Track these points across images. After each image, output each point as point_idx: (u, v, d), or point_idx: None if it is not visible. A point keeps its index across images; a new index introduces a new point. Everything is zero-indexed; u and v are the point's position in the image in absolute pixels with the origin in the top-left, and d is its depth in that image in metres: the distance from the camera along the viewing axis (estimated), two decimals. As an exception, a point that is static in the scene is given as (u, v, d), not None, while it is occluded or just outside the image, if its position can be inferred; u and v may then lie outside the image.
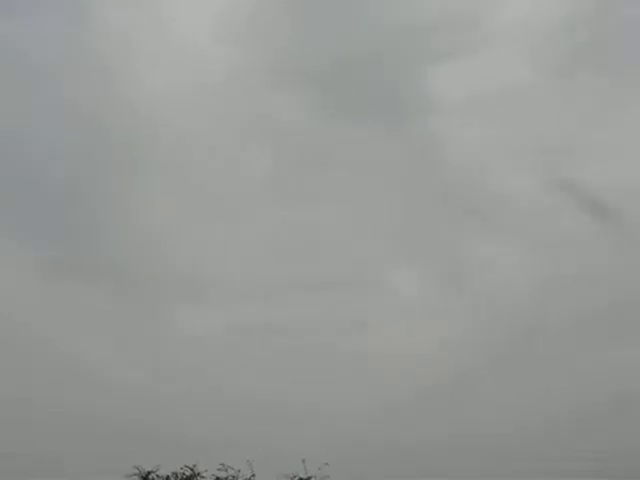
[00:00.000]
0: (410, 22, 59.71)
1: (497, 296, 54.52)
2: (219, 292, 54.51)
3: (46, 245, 52.82)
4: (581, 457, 40.36)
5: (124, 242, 54.77)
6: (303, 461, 24.88)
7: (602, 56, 57.49)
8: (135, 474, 23.60)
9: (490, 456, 41.18)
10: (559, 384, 47.01)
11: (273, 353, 50.72)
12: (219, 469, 24.06)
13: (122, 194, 56.48)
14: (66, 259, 52.39)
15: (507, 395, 46.87)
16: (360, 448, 38.81)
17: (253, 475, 24.33)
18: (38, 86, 57.59)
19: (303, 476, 24.83)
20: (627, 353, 47.58)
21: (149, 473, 23.83)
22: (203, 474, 24.23)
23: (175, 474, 24.11)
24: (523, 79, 58.77)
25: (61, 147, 57.24)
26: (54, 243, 52.99)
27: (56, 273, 52.14)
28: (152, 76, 60.46)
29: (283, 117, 59.13)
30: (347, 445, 36.49)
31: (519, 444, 42.91)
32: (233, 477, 24.28)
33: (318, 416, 43.79)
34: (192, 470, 24.15)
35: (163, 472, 24.05)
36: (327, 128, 59.23)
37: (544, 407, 45.38)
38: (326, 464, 24.45)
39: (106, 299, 51.83)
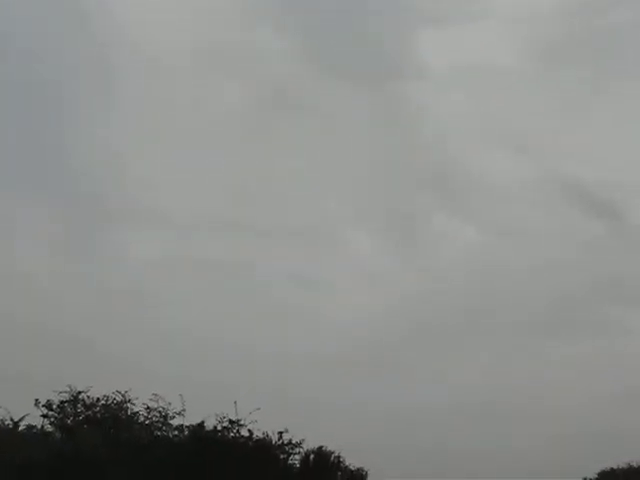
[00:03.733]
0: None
1: (446, 273, 55.14)
2: (168, 222, 53.97)
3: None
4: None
5: (75, 155, 53.46)
6: (235, 403, 25.16)
7: (599, 49, 57.49)
8: (66, 392, 23.43)
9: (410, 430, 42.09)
10: (486, 372, 47.90)
11: (215, 290, 50.78)
12: (151, 399, 24.11)
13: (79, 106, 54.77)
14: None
15: (433, 372, 47.58)
16: (287, 398, 39.18)
17: (183, 410, 24.46)
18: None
19: (232, 418, 25.08)
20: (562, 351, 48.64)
21: (80, 393, 23.70)
22: (134, 401, 24.17)
23: (106, 397, 24.01)
24: (514, 59, 58.68)
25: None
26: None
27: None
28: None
29: (261, 53, 57.98)
30: (278, 393, 36.79)
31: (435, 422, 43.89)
32: (163, 408, 24.36)
33: (252, 360, 44.03)
34: (123, 396, 24.08)
35: (94, 394, 23.94)
36: (305, 74, 58.37)
37: (465, 391, 46.19)
38: (258, 409, 24.76)
39: (50, 211, 50.87)
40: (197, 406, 25.15)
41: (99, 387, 23.96)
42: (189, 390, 25.45)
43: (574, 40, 58.02)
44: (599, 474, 38.68)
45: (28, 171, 50.61)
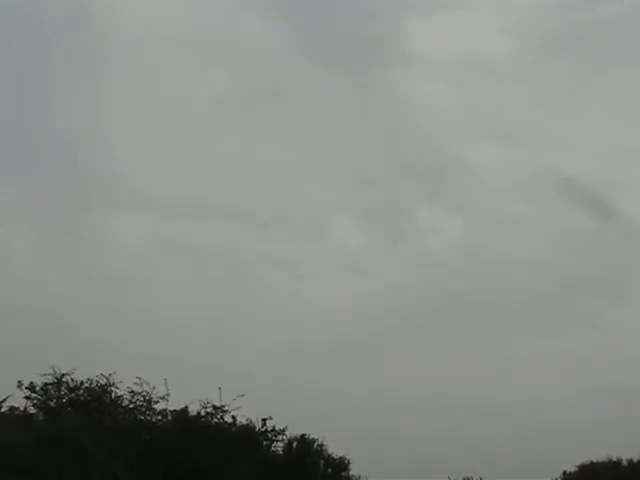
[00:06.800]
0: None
1: (433, 263, 55.10)
2: (153, 206, 53.74)
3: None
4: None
5: (59, 138, 53.00)
6: (219, 389, 25.17)
7: (590, 40, 57.40)
8: (50, 374, 23.27)
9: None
10: (468, 364, 47.99)
11: (199, 275, 50.59)
12: (135, 383, 23.97)
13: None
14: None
15: (423, 360, 47.71)
16: (272, 386, 39.18)
17: (168, 394, 24.38)
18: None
19: (217, 404, 25.10)
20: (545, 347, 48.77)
21: (64, 375, 23.52)
22: (118, 385, 24.03)
23: (90, 380, 23.85)
24: (502, 49, 58.53)
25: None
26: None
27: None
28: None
29: (250, 41, 57.60)
30: (264, 381, 36.80)
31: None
32: (147, 393, 24.26)
33: (237, 345, 44.03)
34: (107, 379, 23.92)
35: (78, 376, 23.76)
36: (290, 62, 58.00)
37: (445, 383, 46.31)
38: (241, 396, 24.78)
39: (38, 192, 50.57)
40: (181, 391, 25.14)
41: (83, 370, 23.76)
42: (173, 375, 25.37)
43: (564, 31, 58.07)
44: (579, 467, 38.96)
45: (11, 151, 50.24)
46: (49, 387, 23.27)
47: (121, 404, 24.05)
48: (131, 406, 24.14)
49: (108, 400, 23.90)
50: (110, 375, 23.85)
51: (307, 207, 57.79)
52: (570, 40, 57.79)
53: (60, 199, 50.72)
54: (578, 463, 39.03)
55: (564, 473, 40.32)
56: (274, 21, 57.55)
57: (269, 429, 26.45)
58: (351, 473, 31.42)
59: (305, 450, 28.55)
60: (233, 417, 25.42)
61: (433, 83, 59.40)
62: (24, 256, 47.83)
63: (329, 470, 29.88)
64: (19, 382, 22.90)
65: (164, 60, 56.71)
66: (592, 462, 38.03)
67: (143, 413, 24.32)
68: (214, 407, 24.96)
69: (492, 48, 58.55)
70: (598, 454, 37.50)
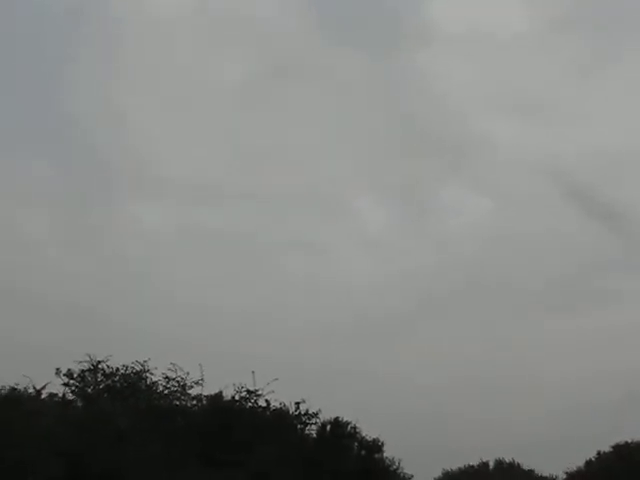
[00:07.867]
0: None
1: (453, 242, 55.04)
2: (174, 191, 54.09)
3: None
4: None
5: (80, 124, 53.44)
6: (252, 373, 25.33)
7: (606, 14, 56.66)
8: (86, 361, 23.65)
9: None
10: (483, 343, 47.80)
11: (223, 259, 50.81)
12: (169, 369, 24.26)
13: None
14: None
15: (438, 343, 47.61)
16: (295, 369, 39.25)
17: (202, 379, 24.63)
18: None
19: (251, 388, 25.30)
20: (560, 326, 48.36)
21: (99, 362, 23.89)
22: (153, 371, 24.35)
23: (125, 367, 24.21)
24: (522, 25, 58.07)
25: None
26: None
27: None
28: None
29: (267, 22, 57.53)
30: (291, 363, 36.89)
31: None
32: (182, 378, 24.52)
33: (265, 328, 44.19)
34: (142, 366, 24.24)
35: (113, 363, 24.13)
36: (312, 41, 57.88)
37: (465, 364, 46.14)
38: (275, 380, 24.94)
39: (57, 179, 51.06)
40: (214, 376, 25.34)
41: (118, 357, 24.13)
42: (207, 360, 25.57)
43: (586, 7, 57.43)
44: (613, 447, 38.71)
45: (35, 139, 50.83)
46: (86, 374, 23.70)
47: (156, 390, 24.39)
48: (166, 392, 24.47)
49: (143, 386, 24.25)
50: (145, 362, 24.27)
51: (330, 187, 57.84)
52: (595, 16, 57.29)
53: (79, 183, 51.28)
54: (612, 443, 38.79)
55: (598, 453, 40.10)
56: (292, 3, 57.51)
57: (303, 412, 26.57)
58: (385, 455, 31.33)
59: (339, 433, 28.58)
60: (267, 401, 25.62)
61: (453, 59, 59.04)
62: (56, 250, 48.48)
63: (362, 452, 29.86)
64: (57, 369, 23.34)
65: (184, 44, 57.01)
66: (627, 442, 37.79)
67: (178, 398, 24.63)
68: (248, 391, 25.15)
69: (515, 24, 58.20)
70: (634, 434, 37.26)
